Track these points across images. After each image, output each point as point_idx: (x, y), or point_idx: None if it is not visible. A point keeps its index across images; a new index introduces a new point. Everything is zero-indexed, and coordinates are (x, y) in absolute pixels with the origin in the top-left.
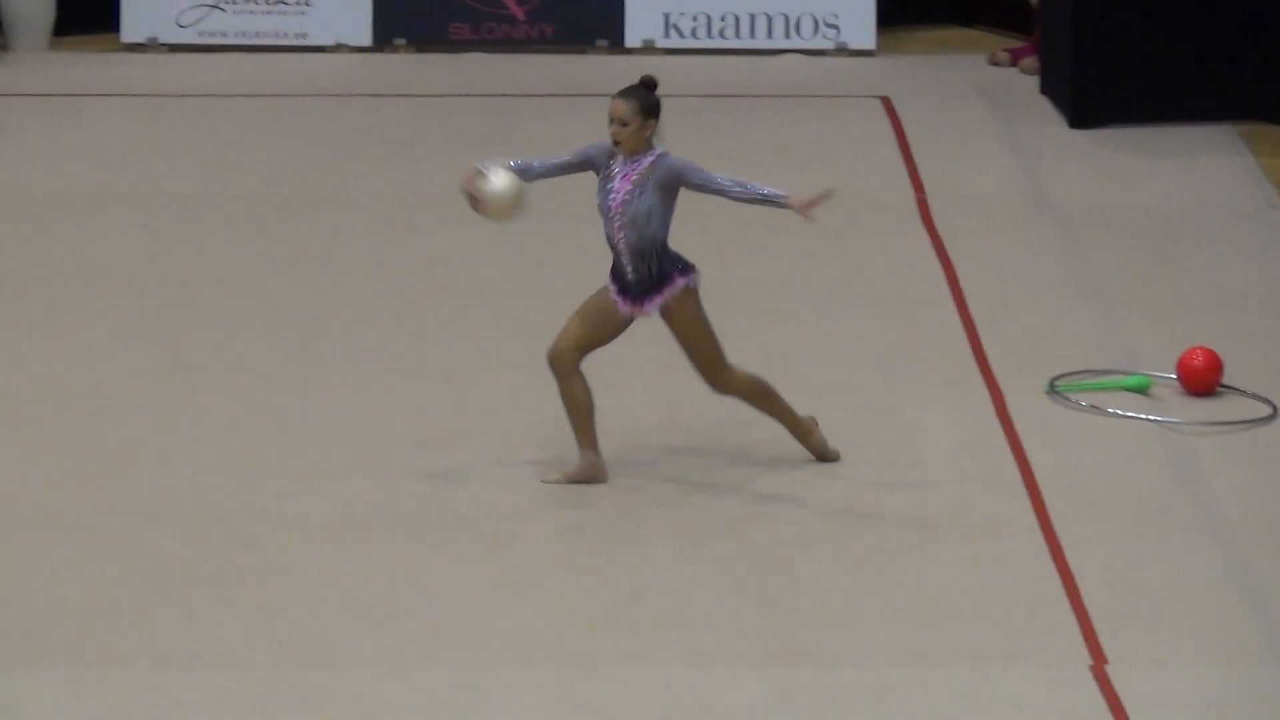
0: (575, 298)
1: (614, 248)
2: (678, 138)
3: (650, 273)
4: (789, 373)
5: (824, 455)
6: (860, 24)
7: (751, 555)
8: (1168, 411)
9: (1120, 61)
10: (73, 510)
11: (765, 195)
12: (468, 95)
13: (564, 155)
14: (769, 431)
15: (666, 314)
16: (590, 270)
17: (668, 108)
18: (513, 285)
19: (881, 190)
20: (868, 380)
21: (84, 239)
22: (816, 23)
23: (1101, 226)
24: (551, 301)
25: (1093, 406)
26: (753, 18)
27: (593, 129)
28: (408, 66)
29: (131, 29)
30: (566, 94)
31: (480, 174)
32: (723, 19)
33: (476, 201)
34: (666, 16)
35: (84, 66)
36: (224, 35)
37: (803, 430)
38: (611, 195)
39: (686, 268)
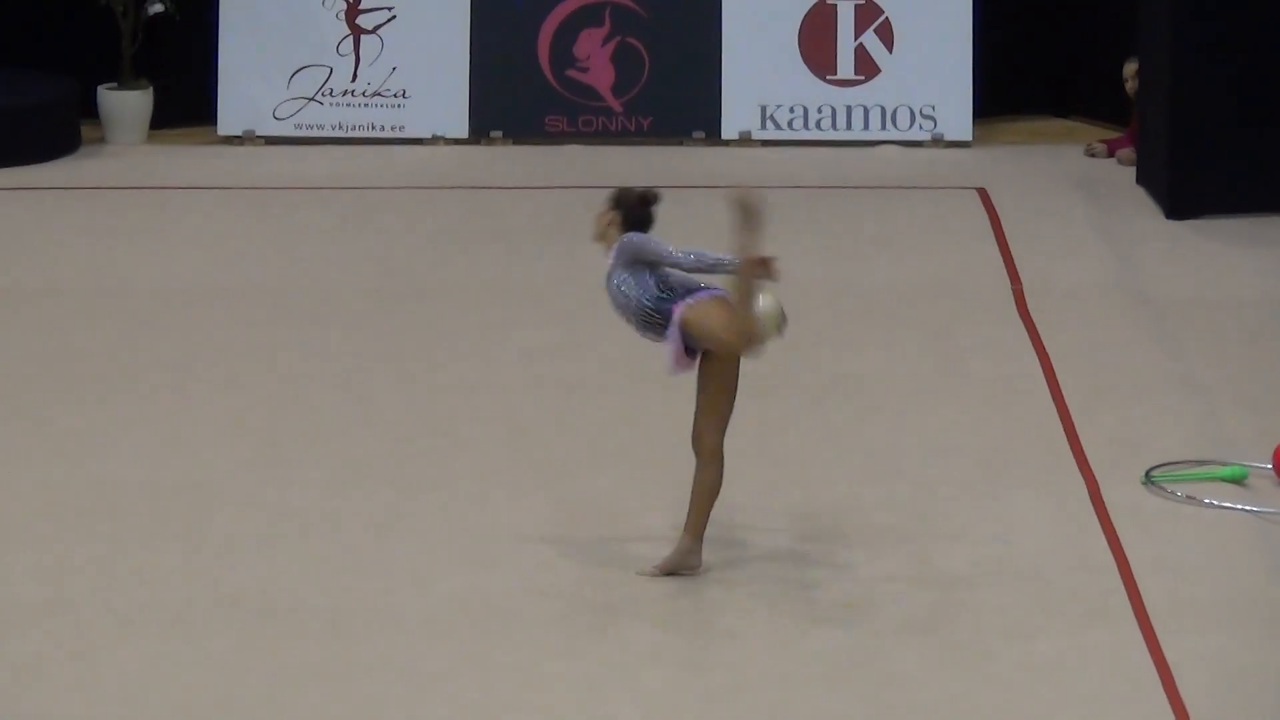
0: (672, 392)
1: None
2: (774, 229)
3: (658, 324)
4: (887, 465)
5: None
6: (957, 115)
7: (849, 648)
8: (1263, 502)
9: (1217, 152)
10: (173, 606)
11: (714, 262)
12: (564, 187)
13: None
14: (864, 520)
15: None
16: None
17: (764, 199)
18: (610, 379)
19: (978, 281)
20: (965, 472)
21: (182, 332)
22: (913, 114)
23: (1197, 317)
24: (649, 396)
25: (1189, 497)
26: (849, 109)
27: (689, 220)
28: (504, 159)
29: (228, 122)
30: (663, 185)
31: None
32: (819, 110)
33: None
34: (763, 108)
35: (181, 159)
36: (320, 128)
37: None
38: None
39: (685, 294)
